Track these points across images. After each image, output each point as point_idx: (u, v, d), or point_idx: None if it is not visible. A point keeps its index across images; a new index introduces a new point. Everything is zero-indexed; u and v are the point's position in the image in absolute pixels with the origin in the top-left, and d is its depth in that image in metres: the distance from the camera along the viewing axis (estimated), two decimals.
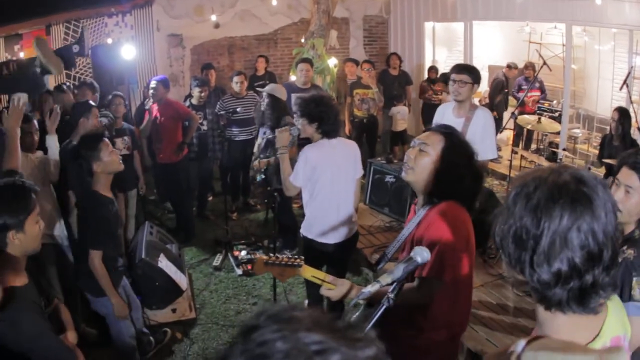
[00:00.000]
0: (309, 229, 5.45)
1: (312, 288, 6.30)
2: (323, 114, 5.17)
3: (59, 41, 11.74)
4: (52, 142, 6.01)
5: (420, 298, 3.08)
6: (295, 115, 5.37)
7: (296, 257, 3.08)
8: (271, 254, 3.09)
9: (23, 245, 3.03)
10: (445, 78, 11.05)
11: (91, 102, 6.95)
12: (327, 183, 5.25)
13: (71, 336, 3.31)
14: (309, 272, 3.11)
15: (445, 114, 5.97)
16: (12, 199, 3.03)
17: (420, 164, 3.14)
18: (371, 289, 2.55)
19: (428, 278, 3.00)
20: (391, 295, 2.50)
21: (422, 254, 2.57)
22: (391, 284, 2.55)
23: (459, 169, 3.07)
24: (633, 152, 2.99)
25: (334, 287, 3.09)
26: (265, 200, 8.21)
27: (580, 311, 1.61)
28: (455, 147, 3.12)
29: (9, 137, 4.50)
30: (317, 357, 1.02)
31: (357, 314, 2.99)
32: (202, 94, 9.00)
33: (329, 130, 5.24)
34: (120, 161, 4.75)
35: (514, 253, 1.65)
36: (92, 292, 4.72)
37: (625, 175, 2.90)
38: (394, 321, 3.29)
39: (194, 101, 9.02)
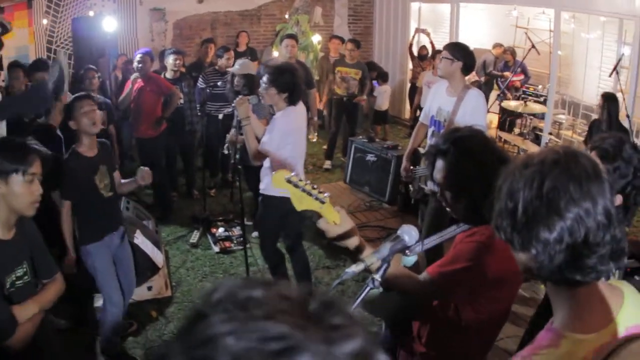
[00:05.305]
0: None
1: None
2: (296, 85, 5.29)
3: (40, 14, 11.57)
4: None
5: (417, 290, 2.85)
6: (262, 83, 5.37)
7: (322, 191, 2.68)
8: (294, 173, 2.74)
9: (6, 198, 2.94)
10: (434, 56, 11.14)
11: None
12: (297, 145, 5.47)
13: (20, 309, 3.12)
14: (330, 214, 2.66)
15: (438, 92, 5.98)
16: (3, 153, 2.96)
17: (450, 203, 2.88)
18: (355, 268, 2.40)
19: (432, 278, 2.78)
20: (376, 276, 2.37)
21: (410, 233, 2.44)
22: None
23: (469, 183, 2.73)
24: (603, 137, 2.83)
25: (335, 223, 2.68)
26: (229, 175, 8.23)
27: (579, 277, 1.55)
28: (457, 163, 2.77)
29: None
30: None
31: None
32: (177, 62, 8.73)
33: (296, 99, 5.36)
34: (94, 123, 4.77)
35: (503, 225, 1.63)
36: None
37: None
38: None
39: (169, 75, 8.73)
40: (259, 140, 5.43)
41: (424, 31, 12.83)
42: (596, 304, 1.62)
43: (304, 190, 2.64)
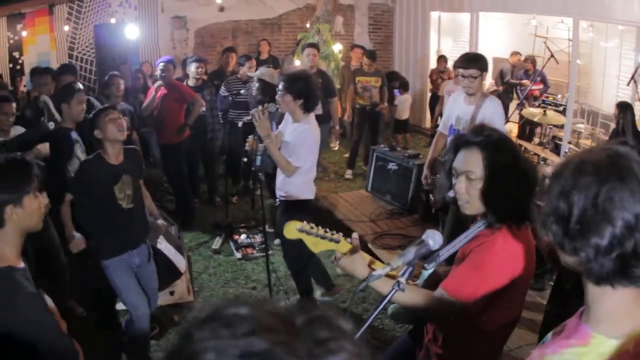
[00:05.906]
0: (304, 191, 5.70)
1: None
2: (311, 92, 5.40)
3: (62, 21, 11.72)
4: None
5: (436, 308, 2.84)
6: (278, 91, 5.48)
7: (334, 232, 2.87)
8: (305, 221, 2.90)
9: (21, 221, 2.86)
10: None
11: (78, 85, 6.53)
12: (316, 153, 5.75)
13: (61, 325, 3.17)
14: (347, 249, 2.80)
15: (457, 101, 6.06)
16: (11, 174, 2.88)
17: (473, 193, 2.78)
18: (381, 271, 2.46)
19: (449, 294, 2.76)
20: (401, 280, 2.43)
21: (434, 237, 2.49)
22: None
23: (506, 175, 2.69)
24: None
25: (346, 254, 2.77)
26: (250, 183, 8.62)
27: (626, 283, 1.57)
28: (497, 153, 2.73)
29: None
30: None
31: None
32: (199, 70, 8.83)
33: (312, 106, 5.49)
34: (121, 130, 4.71)
35: (556, 230, 1.63)
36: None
37: None
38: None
39: (191, 82, 8.83)
40: None
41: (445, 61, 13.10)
42: (630, 309, 1.63)
43: (317, 236, 2.77)
